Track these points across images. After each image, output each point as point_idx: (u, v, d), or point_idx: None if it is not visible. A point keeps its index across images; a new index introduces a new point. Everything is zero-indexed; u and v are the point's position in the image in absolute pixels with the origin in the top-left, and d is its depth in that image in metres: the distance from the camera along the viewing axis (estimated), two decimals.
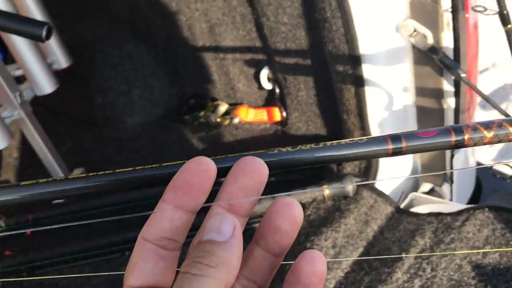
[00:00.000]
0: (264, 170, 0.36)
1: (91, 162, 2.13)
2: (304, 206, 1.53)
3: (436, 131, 0.60)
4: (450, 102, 1.34)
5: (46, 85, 1.73)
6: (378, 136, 0.59)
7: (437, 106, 1.38)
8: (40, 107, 1.94)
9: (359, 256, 1.33)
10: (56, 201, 1.69)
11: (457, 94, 1.30)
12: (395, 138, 0.59)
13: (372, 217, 1.42)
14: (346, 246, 1.36)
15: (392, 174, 1.56)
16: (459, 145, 0.58)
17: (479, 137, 0.58)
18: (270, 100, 1.95)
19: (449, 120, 1.37)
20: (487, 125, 0.58)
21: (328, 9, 1.32)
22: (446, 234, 1.27)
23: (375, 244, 1.36)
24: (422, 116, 1.44)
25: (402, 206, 1.50)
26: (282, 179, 1.66)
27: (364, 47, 1.31)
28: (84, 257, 1.53)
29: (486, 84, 3.57)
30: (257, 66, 1.88)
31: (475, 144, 0.59)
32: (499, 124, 0.60)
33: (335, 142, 0.60)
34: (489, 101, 1.19)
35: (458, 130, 0.59)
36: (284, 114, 1.86)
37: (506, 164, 1.64)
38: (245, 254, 0.36)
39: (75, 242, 1.55)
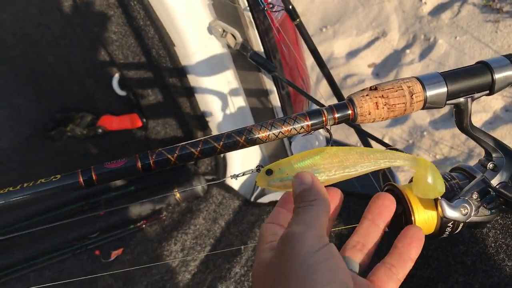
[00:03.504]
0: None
1: None
2: (160, 211, 1.55)
3: (123, 161, 0.64)
4: (274, 98, 1.38)
5: None
6: (70, 173, 0.62)
7: (266, 104, 1.42)
8: None
9: (207, 255, 1.36)
10: None
11: (277, 89, 1.34)
12: (86, 172, 0.63)
13: (220, 214, 1.46)
14: (194, 247, 1.39)
15: (243, 167, 1.59)
16: (147, 168, 0.62)
17: (164, 159, 0.62)
18: (130, 107, 1.93)
19: (280, 115, 1.42)
20: (173, 149, 0.63)
21: (139, 18, 1.32)
22: None
23: (221, 240, 1.39)
24: (257, 115, 1.48)
25: (254, 196, 1.55)
26: (141, 187, 1.67)
27: (181, 50, 1.33)
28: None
29: (377, 52, 3.73)
30: (109, 75, 1.85)
31: (163, 165, 0.63)
32: (182, 147, 0.64)
33: (31, 182, 0.62)
34: (301, 92, 1.24)
35: (144, 157, 0.63)
36: (144, 119, 1.86)
37: None
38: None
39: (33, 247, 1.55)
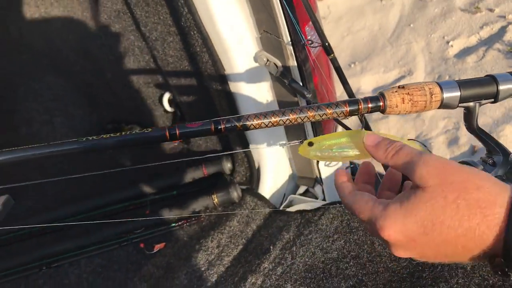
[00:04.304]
0: None
1: (14, 190, 2.27)
2: (199, 213, 1.75)
3: (200, 123, 0.81)
4: None
5: None
6: (159, 127, 0.79)
7: None
8: None
9: (239, 252, 1.55)
10: None
11: None
12: (171, 128, 0.80)
13: (252, 218, 1.65)
14: (229, 244, 1.58)
15: (274, 180, 1.79)
16: (218, 130, 0.79)
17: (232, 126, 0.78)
18: (175, 121, 2.16)
19: (309, 130, 1.62)
20: (239, 118, 0.79)
21: (196, 44, 1.55)
22: (306, 227, 1.51)
23: (252, 241, 1.58)
24: (288, 127, 1.69)
25: (283, 205, 1.74)
26: (183, 192, 1.88)
27: (230, 76, 1.55)
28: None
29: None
30: (160, 92, 2.10)
31: (231, 130, 0.79)
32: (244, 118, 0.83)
33: (127, 131, 0.81)
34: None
35: (216, 122, 0.80)
36: None
37: None
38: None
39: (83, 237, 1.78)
